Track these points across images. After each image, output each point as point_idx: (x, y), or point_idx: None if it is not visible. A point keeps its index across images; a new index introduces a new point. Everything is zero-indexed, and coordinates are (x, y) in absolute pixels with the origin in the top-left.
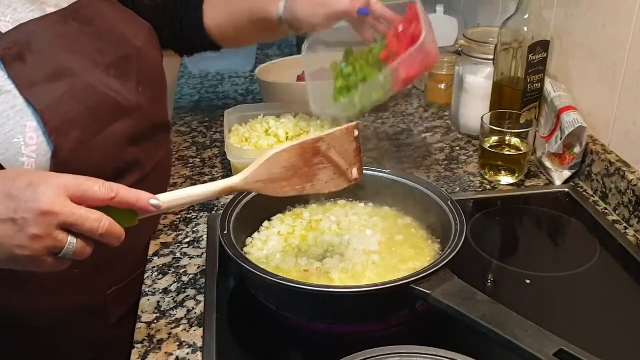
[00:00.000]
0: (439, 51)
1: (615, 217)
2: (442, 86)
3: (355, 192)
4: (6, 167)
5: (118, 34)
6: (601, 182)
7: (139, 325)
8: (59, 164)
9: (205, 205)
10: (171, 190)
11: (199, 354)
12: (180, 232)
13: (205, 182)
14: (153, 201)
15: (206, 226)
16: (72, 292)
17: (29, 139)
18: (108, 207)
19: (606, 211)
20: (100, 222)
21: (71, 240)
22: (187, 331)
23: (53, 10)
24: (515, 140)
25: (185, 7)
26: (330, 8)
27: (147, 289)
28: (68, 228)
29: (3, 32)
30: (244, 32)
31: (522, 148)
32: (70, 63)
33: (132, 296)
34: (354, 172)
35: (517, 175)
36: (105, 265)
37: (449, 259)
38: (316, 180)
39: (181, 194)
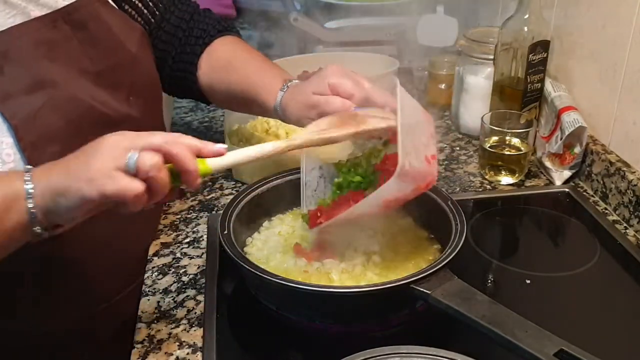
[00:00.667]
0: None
1: (615, 217)
2: (442, 86)
3: None
4: None
5: (113, 40)
6: (601, 182)
7: (139, 325)
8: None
9: (206, 205)
10: (175, 200)
11: (199, 354)
12: (180, 232)
13: (205, 182)
14: (220, 146)
15: (206, 226)
16: (62, 311)
17: (6, 156)
18: None
19: (606, 211)
20: (162, 139)
21: (133, 153)
22: (187, 331)
23: (39, 13)
24: (515, 140)
25: (178, 55)
26: (321, 110)
27: (147, 289)
28: (133, 148)
29: None
30: (236, 105)
31: (522, 148)
32: (52, 73)
33: (121, 315)
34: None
35: (517, 175)
36: (96, 277)
37: (449, 259)
38: (368, 122)
39: (240, 155)
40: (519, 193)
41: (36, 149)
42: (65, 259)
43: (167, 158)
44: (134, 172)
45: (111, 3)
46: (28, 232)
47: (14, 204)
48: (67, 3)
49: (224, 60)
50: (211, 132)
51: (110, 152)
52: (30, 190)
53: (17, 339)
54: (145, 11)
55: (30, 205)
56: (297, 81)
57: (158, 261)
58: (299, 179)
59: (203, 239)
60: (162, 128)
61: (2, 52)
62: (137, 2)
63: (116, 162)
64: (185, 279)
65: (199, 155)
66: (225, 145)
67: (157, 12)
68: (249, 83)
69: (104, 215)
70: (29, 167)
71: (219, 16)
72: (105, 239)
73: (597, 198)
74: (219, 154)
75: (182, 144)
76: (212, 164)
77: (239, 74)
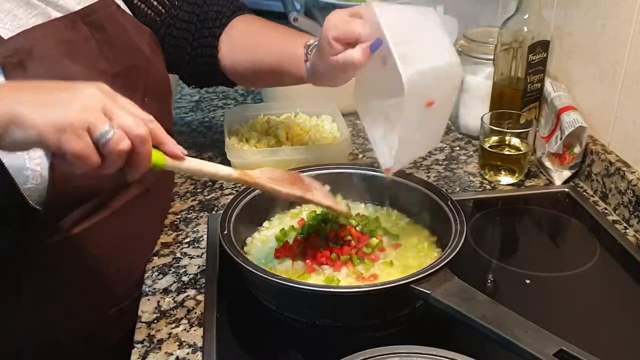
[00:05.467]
0: None
1: (615, 217)
2: None
3: (355, 192)
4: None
5: (129, 42)
6: (601, 182)
7: (139, 325)
8: (58, 178)
9: (205, 205)
10: (175, 200)
11: (199, 354)
12: (180, 232)
13: (205, 182)
14: (181, 149)
15: (206, 226)
16: (73, 312)
17: (32, 151)
18: None
19: (606, 211)
20: (140, 125)
21: (110, 127)
22: (187, 331)
23: (59, 14)
24: (515, 140)
25: (196, 40)
26: (348, 70)
27: (147, 289)
28: (110, 115)
29: (5, 38)
30: (265, 81)
31: (522, 148)
32: (73, 72)
33: (131, 320)
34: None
35: (517, 175)
36: (110, 279)
37: (449, 259)
38: (314, 192)
39: (196, 164)
40: (519, 193)
41: None
42: (79, 260)
43: (132, 143)
44: (101, 145)
45: (122, 6)
46: None
47: None
48: (84, 5)
49: (244, 39)
50: (211, 132)
51: (86, 107)
52: None
53: (26, 343)
54: (155, 2)
55: None
56: (315, 43)
57: (158, 261)
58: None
59: (203, 239)
60: (171, 130)
61: (26, 50)
62: None
63: (89, 122)
64: (185, 279)
65: (159, 147)
66: (185, 151)
67: (166, 2)
68: (275, 57)
69: (119, 219)
70: None
71: None
72: (119, 241)
73: (596, 198)
74: (178, 158)
75: (150, 137)
76: (168, 162)
77: (262, 50)
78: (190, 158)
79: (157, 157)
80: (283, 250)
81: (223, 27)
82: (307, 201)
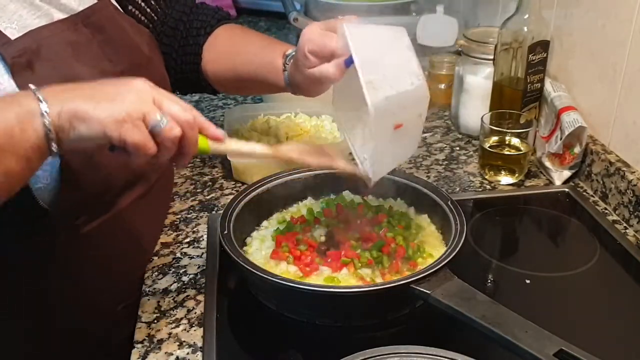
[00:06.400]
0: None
1: (615, 217)
2: (442, 86)
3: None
4: None
5: (129, 42)
6: (601, 182)
7: (139, 325)
8: (68, 178)
9: (206, 205)
10: (175, 200)
11: (199, 354)
12: (180, 232)
13: (205, 182)
14: (221, 132)
15: (206, 226)
16: (80, 311)
17: None
18: None
19: (606, 211)
20: (186, 111)
21: (162, 116)
22: (187, 331)
23: (62, 16)
24: (515, 140)
25: (182, 48)
26: (324, 84)
27: (147, 289)
28: (159, 105)
29: (12, 38)
30: (247, 89)
31: (522, 148)
32: (79, 72)
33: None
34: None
35: (517, 175)
36: (119, 274)
37: (449, 259)
38: (338, 160)
39: (235, 145)
40: (519, 193)
41: None
42: (85, 259)
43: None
44: (156, 132)
45: (119, 8)
46: (44, 153)
47: (29, 123)
48: (85, 7)
49: (227, 48)
50: None
51: (139, 99)
52: (46, 110)
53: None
54: (148, 10)
55: (47, 122)
56: (293, 53)
57: (158, 261)
58: (299, 179)
59: (203, 239)
60: None
61: (33, 50)
62: (140, 1)
63: (144, 112)
64: (185, 279)
65: (201, 132)
66: (224, 132)
67: (159, 10)
68: (254, 66)
69: (124, 218)
70: (34, 87)
71: (216, 7)
72: (123, 240)
73: (596, 198)
74: (218, 139)
75: (196, 123)
76: (212, 146)
77: (242, 58)
78: (229, 139)
79: (201, 142)
80: (279, 253)
81: (207, 36)
82: (335, 168)
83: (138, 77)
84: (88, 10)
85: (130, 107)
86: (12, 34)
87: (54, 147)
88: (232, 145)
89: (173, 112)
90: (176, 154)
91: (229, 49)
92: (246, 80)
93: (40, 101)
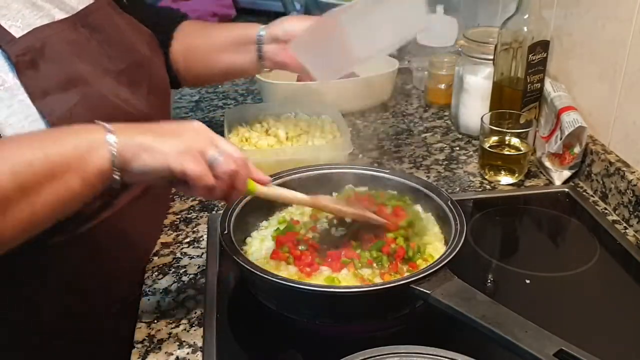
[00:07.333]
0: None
1: (615, 217)
2: (442, 86)
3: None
4: None
5: (126, 41)
6: (601, 182)
7: (139, 325)
8: None
9: (206, 205)
10: (175, 200)
11: (199, 354)
12: (180, 232)
13: None
14: (267, 177)
15: (206, 226)
16: (77, 311)
17: None
18: None
19: (606, 211)
20: (238, 151)
21: (218, 152)
22: (187, 331)
23: (63, 15)
24: (515, 140)
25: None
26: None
27: (147, 289)
28: (215, 143)
29: (17, 36)
30: (219, 79)
31: (522, 148)
32: (82, 71)
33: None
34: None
35: (517, 175)
36: (109, 280)
37: (449, 259)
38: (367, 212)
39: (277, 191)
40: (519, 193)
41: None
42: (83, 258)
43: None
44: (214, 166)
45: (117, 7)
46: (107, 179)
47: (98, 149)
48: (83, 6)
49: (197, 37)
50: None
51: (199, 136)
52: (115, 140)
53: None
54: None
55: (114, 151)
56: (263, 33)
57: (158, 261)
58: (299, 179)
59: (203, 239)
60: None
61: (38, 49)
62: None
63: (203, 149)
64: (185, 279)
65: (249, 175)
66: (270, 178)
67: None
68: (227, 44)
69: (122, 218)
70: (104, 123)
71: (175, 8)
72: (121, 239)
73: (596, 198)
74: (263, 183)
75: (246, 167)
76: (258, 188)
77: (214, 40)
78: (273, 185)
79: (249, 183)
80: (279, 254)
81: (172, 32)
82: (367, 218)
83: (192, 121)
84: (85, 10)
85: (191, 142)
86: (17, 32)
87: (117, 174)
88: (276, 190)
89: (228, 150)
90: (229, 188)
91: (200, 37)
92: (217, 74)
93: (110, 132)
